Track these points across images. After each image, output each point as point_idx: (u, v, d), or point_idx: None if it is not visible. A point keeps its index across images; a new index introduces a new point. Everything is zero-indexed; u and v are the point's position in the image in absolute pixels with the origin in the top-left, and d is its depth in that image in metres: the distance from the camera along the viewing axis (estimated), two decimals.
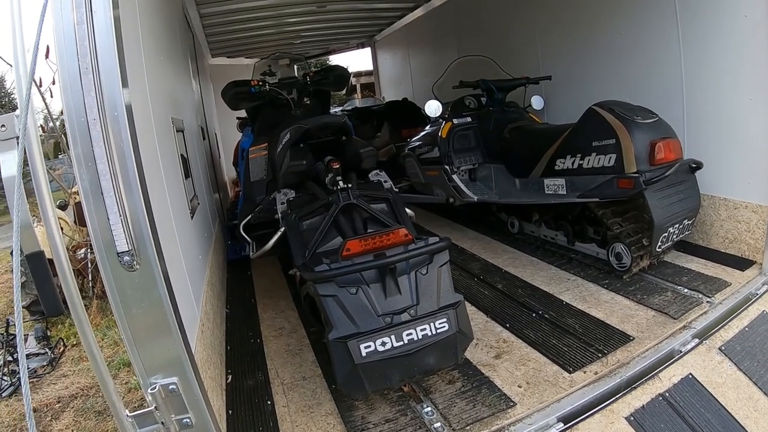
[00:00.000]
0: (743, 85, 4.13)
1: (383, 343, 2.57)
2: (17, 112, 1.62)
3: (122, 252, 1.67)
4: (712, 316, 3.51)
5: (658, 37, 4.71)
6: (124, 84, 1.73)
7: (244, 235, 3.99)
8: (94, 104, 1.65)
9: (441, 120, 5.68)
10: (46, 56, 5.96)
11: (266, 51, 11.23)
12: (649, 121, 4.04)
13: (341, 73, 4.98)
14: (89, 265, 7.06)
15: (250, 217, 4.04)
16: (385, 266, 2.67)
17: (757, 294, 3.75)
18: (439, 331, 2.69)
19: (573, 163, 4.33)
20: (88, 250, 7.19)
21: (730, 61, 4.18)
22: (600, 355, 3.19)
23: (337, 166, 3.43)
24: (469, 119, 5.63)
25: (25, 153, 1.60)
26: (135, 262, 1.70)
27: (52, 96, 7.99)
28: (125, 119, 1.70)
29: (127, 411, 1.78)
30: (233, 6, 7.22)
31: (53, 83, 7.53)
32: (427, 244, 2.82)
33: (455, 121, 5.59)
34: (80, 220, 7.16)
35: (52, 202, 1.67)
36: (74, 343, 6.06)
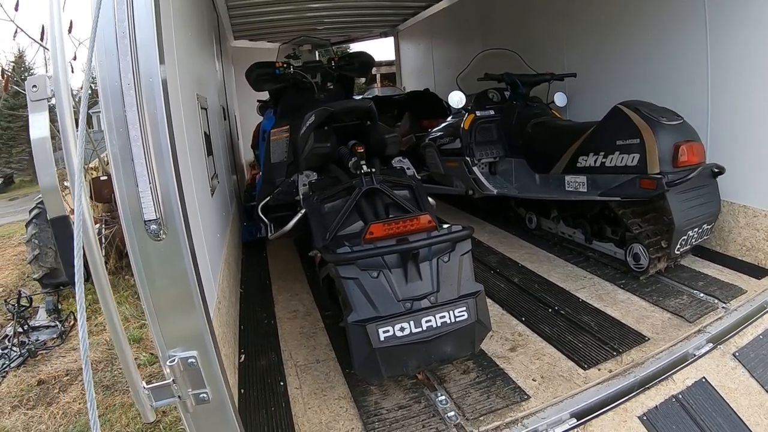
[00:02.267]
0: None
1: (402, 329, 2.57)
2: (50, 73, 1.62)
3: (149, 220, 1.67)
4: (727, 322, 3.49)
5: (686, 39, 4.68)
6: (160, 51, 1.73)
7: (261, 216, 3.98)
8: (129, 69, 1.64)
9: (464, 111, 5.65)
10: (69, 31, 5.97)
11: (288, 36, 11.18)
12: (674, 123, 4.01)
13: (366, 59, 4.97)
14: (104, 240, 7.11)
15: (268, 198, 4.04)
16: (407, 251, 2.67)
17: None
18: (458, 319, 2.69)
19: (595, 161, 4.30)
20: (103, 225, 7.23)
21: (760, 68, 4.13)
22: (615, 353, 3.19)
23: (362, 150, 3.43)
24: (492, 112, 5.62)
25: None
26: (162, 232, 1.69)
27: (73, 71, 8.02)
28: (160, 86, 1.69)
29: (144, 383, 1.78)
30: None
31: (74, 59, 7.54)
32: (450, 231, 2.81)
33: (478, 113, 5.58)
34: (97, 195, 7.18)
35: (82, 165, 1.66)
36: (86, 317, 6.11)
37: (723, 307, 3.67)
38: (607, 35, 5.64)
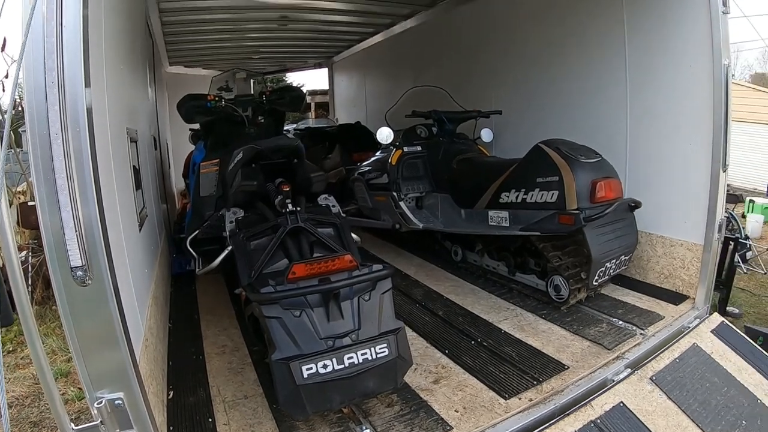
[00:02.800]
0: (684, 132, 4.41)
1: (325, 366, 2.62)
2: None
3: (76, 267, 1.70)
4: (645, 348, 3.69)
5: (608, 81, 4.98)
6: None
7: (190, 250, 3.97)
8: (57, 119, 1.67)
9: (392, 147, 5.77)
10: (2, 49, 5.84)
11: (224, 63, 11.25)
12: (592, 160, 4.21)
13: (297, 94, 5.03)
14: (30, 269, 6.88)
15: (197, 231, 4.04)
16: (329, 291, 2.74)
17: (689, 327, 3.95)
18: (379, 355, 2.75)
19: (517, 197, 4.46)
20: (29, 253, 7.01)
21: (674, 108, 4.46)
22: (535, 382, 3.30)
23: (287, 189, 3.49)
24: (419, 148, 5.74)
25: None
26: (87, 277, 1.72)
27: (3, 90, 7.79)
28: (86, 135, 1.73)
29: (72, 424, 1.79)
30: (196, 16, 7.24)
31: (6, 77, 7.33)
32: (371, 271, 2.90)
33: (405, 149, 5.70)
34: (24, 221, 6.95)
35: (6, 202, 1.67)
36: (9, 350, 5.89)
37: (641, 334, 3.86)
38: (533, 74, 5.91)
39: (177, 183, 9.74)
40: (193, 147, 6.08)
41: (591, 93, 5.22)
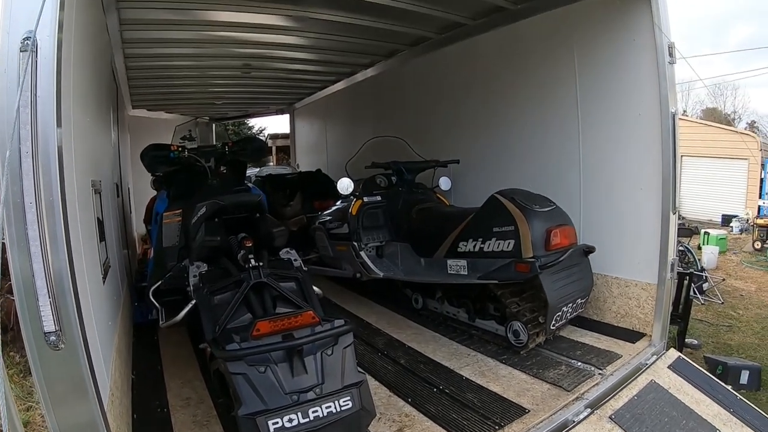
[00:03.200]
0: (635, 176, 4.62)
1: (290, 420, 2.66)
2: None
3: (49, 332, 1.74)
4: (604, 387, 3.79)
5: (561, 130, 5.21)
6: (62, 181, 1.83)
7: (153, 301, 3.98)
8: (31, 187, 1.74)
9: (352, 197, 5.82)
10: None
11: (188, 108, 11.29)
12: (546, 209, 4.36)
13: (260, 146, 5.11)
14: None
15: (160, 282, 4.06)
16: (293, 347, 2.80)
17: (647, 364, 4.10)
18: (343, 408, 2.79)
19: (474, 247, 4.57)
20: None
21: (624, 155, 4.70)
22: (497, 427, 3.37)
23: (250, 245, 3.54)
24: (378, 198, 5.82)
25: None
26: (60, 342, 1.77)
27: None
28: (60, 207, 1.79)
29: None
30: (160, 62, 7.27)
31: None
32: (333, 327, 2.96)
33: (365, 199, 5.76)
34: None
35: None
36: None
37: (599, 373, 3.98)
38: (489, 124, 6.14)
39: (138, 227, 9.62)
40: (154, 192, 6.08)
41: (545, 141, 5.43)
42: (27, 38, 1.77)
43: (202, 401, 3.94)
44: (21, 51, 1.77)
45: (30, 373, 1.81)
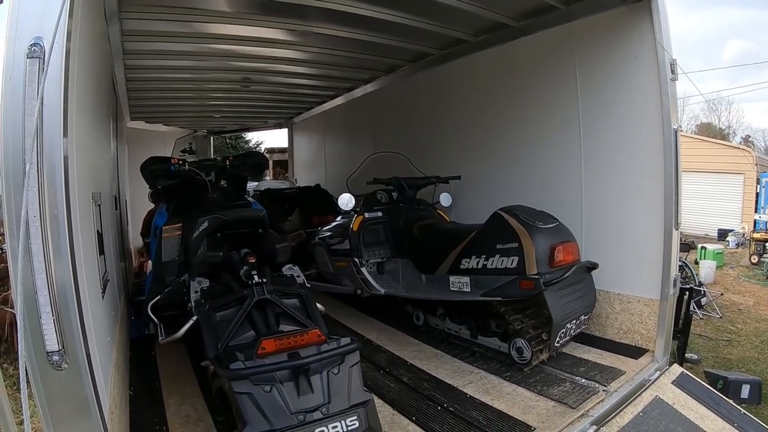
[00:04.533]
0: (637, 193, 4.61)
1: None
2: None
3: (52, 351, 1.70)
4: (608, 404, 3.76)
5: (562, 146, 5.19)
6: (67, 194, 1.79)
7: (152, 316, 3.93)
8: (35, 200, 1.70)
9: (353, 213, 5.79)
10: None
11: (186, 120, 11.25)
12: (550, 226, 4.35)
13: (260, 161, 5.08)
14: None
15: (158, 297, 4.01)
16: (299, 366, 2.75)
17: (650, 380, 4.07)
18: (350, 428, 2.76)
19: (478, 263, 4.54)
20: None
21: (627, 171, 4.68)
22: None
23: (253, 261, 3.52)
24: (379, 214, 5.80)
25: None
26: (64, 362, 1.72)
27: None
28: (65, 220, 1.75)
29: None
30: (160, 74, 7.27)
31: None
32: (339, 345, 2.93)
33: (366, 215, 5.73)
34: None
35: None
36: None
37: (604, 390, 3.94)
38: (490, 141, 6.14)
39: (135, 240, 9.56)
40: (151, 204, 6.04)
41: (547, 158, 5.41)
42: (34, 44, 1.74)
43: (202, 419, 3.87)
44: (28, 57, 1.73)
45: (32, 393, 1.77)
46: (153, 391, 4.39)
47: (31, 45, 1.76)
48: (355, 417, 2.81)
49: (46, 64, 1.77)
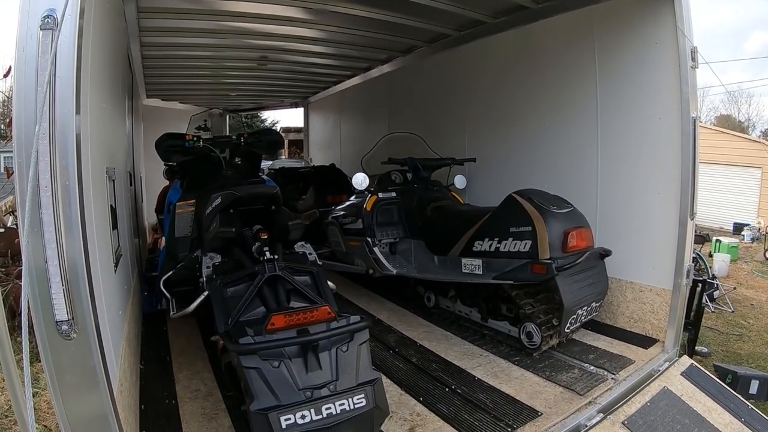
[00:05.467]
0: (653, 180, 4.55)
1: (303, 416, 2.62)
2: None
3: (61, 321, 1.71)
4: (617, 392, 3.75)
5: (578, 131, 5.13)
6: (79, 165, 1.79)
7: (164, 291, 3.95)
8: (47, 170, 1.71)
9: (367, 193, 5.81)
10: (5, 76, 5.82)
11: (202, 99, 11.27)
12: (564, 211, 4.32)
13: (275, 138, 5.04)
14: None
15: (171, 273, 4.03)
16: (308, 343, 2.76)
17: (659, 370, 4.06)
18: (356, 406, 2.76)
19: (490, 246, 4.53)
20: None
21: (643, 158, 4.62)
22: (509, 429, 3.32)
23: (265, 237, 3.54)
24: (393, 194, 5.81)
25: None
26: (73, 332, 1.73)
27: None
28: (77, 192, 1.75)
29: None
30: (177, 52, 7.24)
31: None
32: (348, 323, 2.93)
33: (380, 195, 5.76)
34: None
35: None
36: None
37: (612, 378, 3.93)
38: (506, 123, 6.08)
39: (149, 217, 9.61)
40: (166, 181, 6.05)
41: (563, 143, 5.37)
42: (48, 16, 1.74)
43: (211, 394, 3.90)
44: (41, 29, 1.73)
45: (36, 359, 1.79)
46: (164, 366, 4.44)
47: (44, 17, 1.75)
48: (363, 395, 2.81)
49: (58, 35, 1.76)
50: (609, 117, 4.92)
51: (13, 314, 6.82)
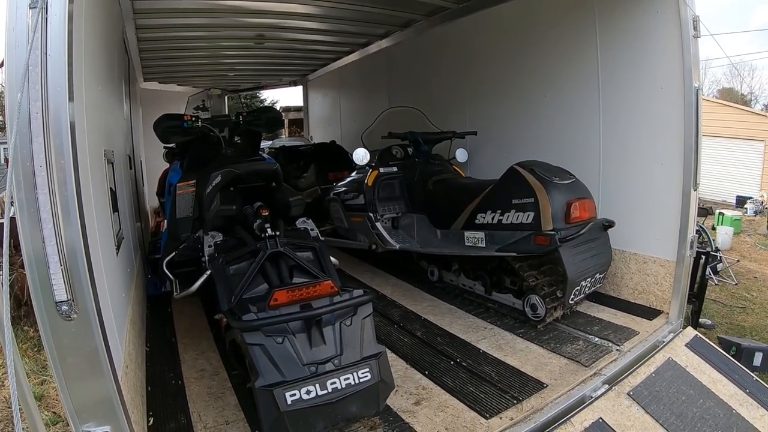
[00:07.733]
0: (656, 151, 4.52)
1: (308, 392, 2.63)
2: None
3: (60, 301, 1.70)
4: (621, 364, 3.76)
5: (580, 102, 5.09)
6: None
7: (167, 272, 3.95)
8: (41, 150, 1.69)
9: (368, 168, 5.79)
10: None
11: (200, 80, 11.19)
12: (567, 182, 4.29)
13: (274, 116, 5.00)
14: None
15: (174, 254, 4.03)
16: (311, 318, 2.76)
17: (664, 342, 4.05)
18: (361, 380, 2.77)
19: (493, 219, 4.51)
20: None
21: (645, 129, 4.58)
22: (515, 401, 3.33)
23: (266, 214, 3.53)
24: (395, 169, 5.78)
25: None
26: (73, 312, 1.72)
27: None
28: (71, 168, 1.74)
29: None
30: (172, 34, 7.17)
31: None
32: (352, 297, 2.93)
33: (381, 170, 5.72)
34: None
35: None
36: None
37: (617, 350, 3.94)
38: (507, 96, 6.03)
39: (150, 201, 9.61)
40: (166, 165, 6.03)
41: (565, 114, 5.33)
42: None
43: (217, 373, 3.91)
44: (30, 7, 1.71)
45: (41, 345, 1.78)
46: (169, 347, 4.45)
47: None
48: (367, 369, 2.82)
49: (47, 14, 1.74)
50: (610, 88, 4.87)
51: (19, 304, 6.85)
